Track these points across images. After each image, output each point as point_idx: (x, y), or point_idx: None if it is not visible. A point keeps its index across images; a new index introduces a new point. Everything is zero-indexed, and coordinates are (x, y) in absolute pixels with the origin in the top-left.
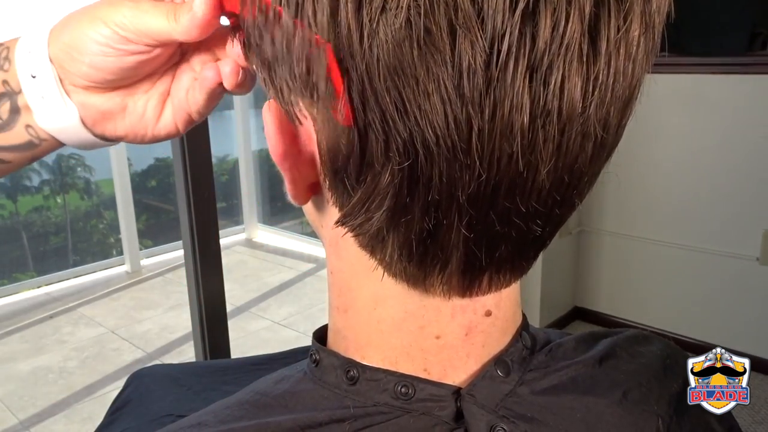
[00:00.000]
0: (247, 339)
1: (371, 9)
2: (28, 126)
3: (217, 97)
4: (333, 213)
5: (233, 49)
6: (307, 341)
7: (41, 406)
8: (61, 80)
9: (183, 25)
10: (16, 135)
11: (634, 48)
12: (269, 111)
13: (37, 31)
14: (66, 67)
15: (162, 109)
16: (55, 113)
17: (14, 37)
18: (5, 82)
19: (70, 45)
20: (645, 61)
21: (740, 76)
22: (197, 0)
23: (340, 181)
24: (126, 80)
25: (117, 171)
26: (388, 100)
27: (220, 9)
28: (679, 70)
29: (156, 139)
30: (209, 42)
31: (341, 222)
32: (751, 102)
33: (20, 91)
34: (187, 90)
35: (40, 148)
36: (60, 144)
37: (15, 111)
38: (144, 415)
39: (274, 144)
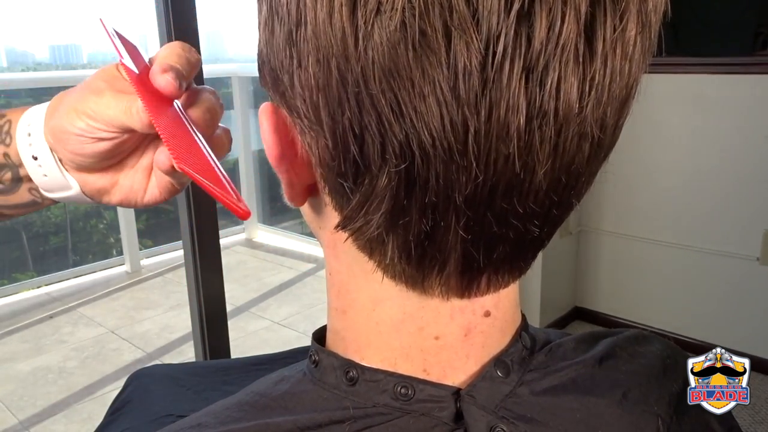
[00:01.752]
0: (247, 339)
1: (366, 11)
2: (31, 189)
3: (180, 175)
4: (331, 215)
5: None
6: (307, 341)
7: (41, 406)
8: (60, 160)
9: (139, 119)
10: (20, 196)
11: (631, 47)
12: (265, 114)
13: (36, 108)
14: (58, 150)
15: (148, 181)
16: (58, 188)
17: (15, 108)
18: (6, 155)
19: (55, 133)
20: (642, 60)
21: (741, 77)
22: (137, 103)
23: (338, 183)
24: (108, 161)
25: None
26: (383, 102)
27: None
28: (680, 70)
29: (146, 206)
30: None
31: (341, 226)
32: (752, 102)
33: (21, 164)
34: None
35: (43, 205)
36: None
37: (17, 180)
38: (144, 415)
39: (270, 147)
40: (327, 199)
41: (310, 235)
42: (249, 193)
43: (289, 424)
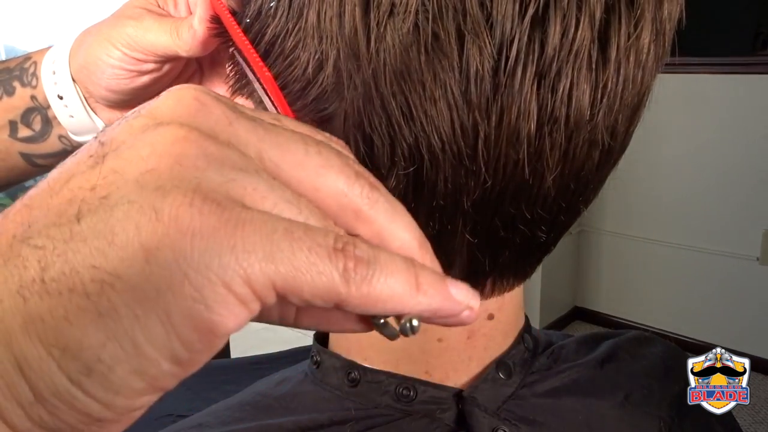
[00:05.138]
0: (247, 339)
1: (379, 13)
2: (61, 136)
3: None
4: None
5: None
6: (307, 341)
7: None
8: (86, 98)
9: (185, 41)
10: (51, 145)
11: (644, 55)
12: None
13: (60, 46)
14: (88, 87)
15: None
16: (85, 130)
17: (40, 48)
18: (34, 97)
19: (86, 67)
20: (654, 68)
21: (741, 76)
22: (196, 17)
23: None
24: (143, 98)
25: None
26: (394, 104)
27: (218, 23)
28: (680, 70)
29: None
30: (223, 57)
31: None
32: (752, 102)
33: (48, 106)
34: None
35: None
36: None
37: (47, 123)
38: (144, 415)
39: None
40: None
41: None
42: None
43: (290, 425)
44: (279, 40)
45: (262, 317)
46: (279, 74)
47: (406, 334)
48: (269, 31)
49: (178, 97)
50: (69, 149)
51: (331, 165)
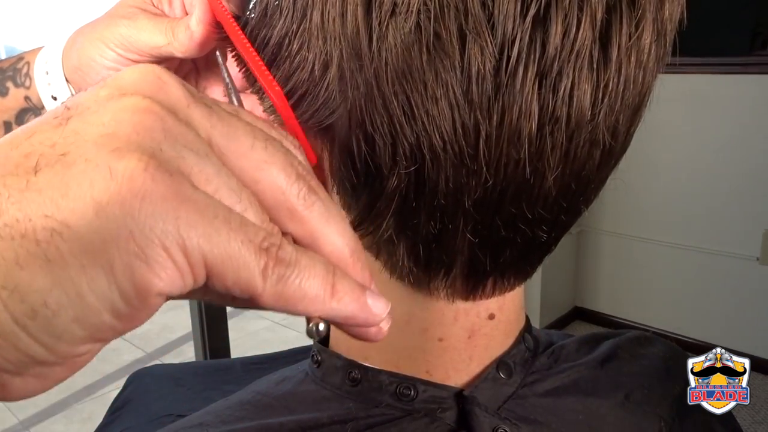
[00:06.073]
0: (247, 339)
1: (381, 12)
2: None
3: None
4: None
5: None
6: (307, 341)
7: (41, 406)
8: None
9: (181, 42)
10: None
11: (645, 55)
12: None
13: (52, 45)
14: (82, 88)
15: None
16: None
17: (33, 48)
18: (27, 98)
19: (80, 68)
20: (655, 68)
21: (741, 76)
22: (193, 18)
23: (347, 184)
24: None
25: None
26: (395, 104)
27: (217, 25)
28: (679, 70)
29: None
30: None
31: (354, 228)
32: (752, 102)
33: (43, 107)
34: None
35: None
36: None
37: None
38: (144, 415)
39: None
40: (335, 198)
41: None
42: None
43: (291, 424)
44: (286, 42)
45: (191, 294)
46: (287, 77)
47: (311, 336)
48: (275, 33)
49: (143, 73)
50: None
51: (274, 161)
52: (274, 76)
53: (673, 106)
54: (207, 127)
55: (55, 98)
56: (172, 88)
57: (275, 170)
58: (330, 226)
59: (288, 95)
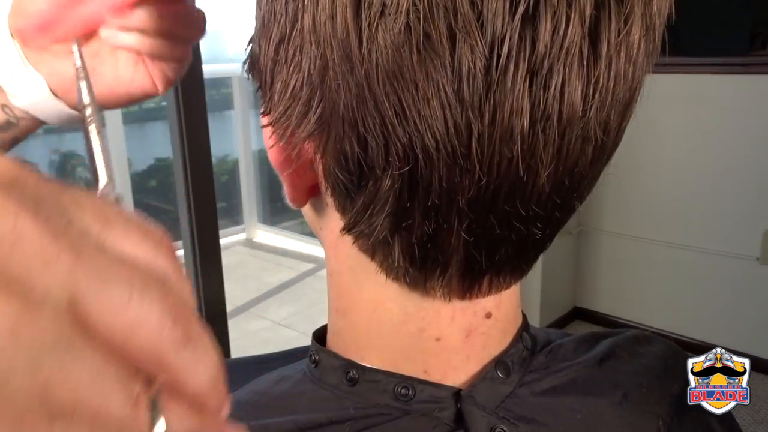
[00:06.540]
0: (247, 339)
1: (370, 13)
2: (3, 106)
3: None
4: (333, 216)
5: None
6: (307, 341)
7: None
8: (25, 56)
9: None
10: None
11: (635, 51)
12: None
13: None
14: (19, 26)
15: (134, 66)
16: (24, 87)
17: None
18: None
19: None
20: (645, 63)
21: (740, 76)
22: None
23: (341, 185)
24: (72, 13)
25: (117, 171)
26: (387, 105)
27: None
28: (679, 70)
29: (134, 97)
30: None
31: (347, 229)
32: (751, 102)
33: None
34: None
35: (18, 128)
36: (38, 122)
37: None
38: None
39: (273, 150)
40: (329, 200)
41: (311, 234)
42: (249, 194)
43: (289, 425)
44: (282, 49)
45: None
46: (285, 84)
47: None
48: (271, 41)
49: None
50: (12, 121)
51: (150, 317)
52: (276, 85)
53: (673, 106)
54: (69, 286)
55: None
56: (27, 240)
57: (150, 327)
58: (198, 371)
59: (290, 102)
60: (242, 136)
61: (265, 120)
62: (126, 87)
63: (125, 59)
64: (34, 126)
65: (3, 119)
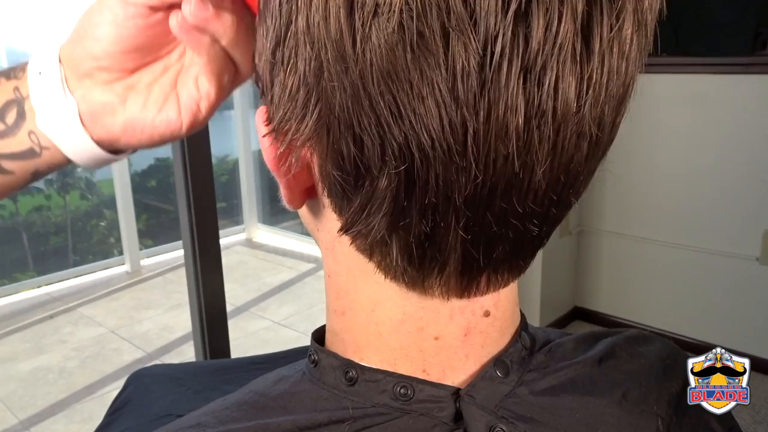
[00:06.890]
0: (247, 339)
1: (363, 13)
2: (30, 132)
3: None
4: (330, 217)
5: None
6: (307, 341)
7: (41, 406)
8: (66, 79)
9: None
10: (19, 142)
11: (627, 46)
12: (261, 117)
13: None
14: (73, 55)
15: (165, 101)
16: (55, 109)
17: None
18: (17, 89)
19: (77, 31)
20: (638, 58)
21: (741, 77)
22: None
23: (337, 185)
24: (129, 54)
25: (117, 171)
26: (382, 104)
27: None
28: (680, 70)
29: (156, 135)
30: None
31: (344, 230)
32: (752, 102)
33: (28, 96)
34: (195, 78)
35: (42, 160)
36: (61, 157)
37: (21, 116)
38: (144, 415)
39: (267, 150)
40: (326, 201)
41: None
42: (249, 194)
43: (288, 425)
44: (278, 50)
45: None
46: (283, 86)
47: None
48: (268, 44)
49: None
50: (36, 150)
51: None
52: (275, 88)
53: (673, 106)
54: None
55: (40, 73)
56: None
57: None
58: None
59: (288, 104)
60: (242, 136)
61: (263, 128)
62: (147, 119)
63: (157, 94)
64: (56, 161)
65: (27, 146)
